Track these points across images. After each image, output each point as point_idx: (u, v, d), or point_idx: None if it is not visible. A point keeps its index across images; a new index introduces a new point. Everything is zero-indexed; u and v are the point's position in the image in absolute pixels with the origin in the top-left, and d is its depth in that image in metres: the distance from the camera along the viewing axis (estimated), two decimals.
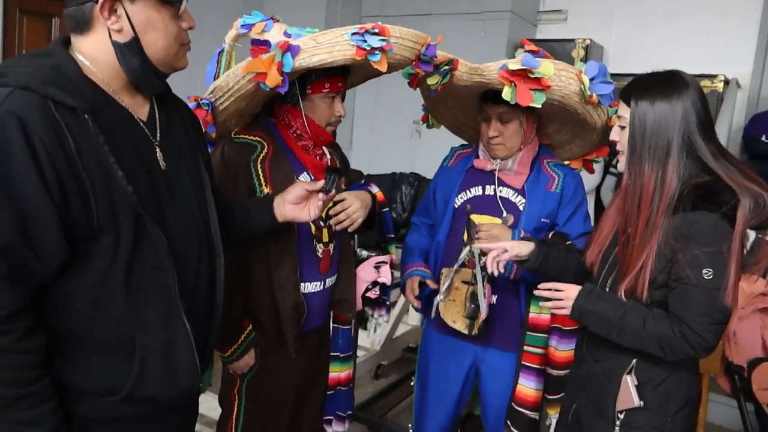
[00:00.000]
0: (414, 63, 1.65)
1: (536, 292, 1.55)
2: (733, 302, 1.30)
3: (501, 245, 1.60)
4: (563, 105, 1.72)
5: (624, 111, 1.41)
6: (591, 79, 1.69)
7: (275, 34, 1.51)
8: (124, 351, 1.10)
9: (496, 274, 1.61)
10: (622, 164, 1.46)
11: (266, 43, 1.43)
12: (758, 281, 1.40)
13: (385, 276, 1.87)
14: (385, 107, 5.04)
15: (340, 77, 1.65)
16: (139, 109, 1.19)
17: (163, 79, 1.20)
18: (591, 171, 2.06)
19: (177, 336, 1.14)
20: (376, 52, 1.42)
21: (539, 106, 1.64)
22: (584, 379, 1.54)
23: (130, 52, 1.10)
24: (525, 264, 1.61)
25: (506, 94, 1.60)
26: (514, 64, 1.58)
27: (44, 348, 1.04)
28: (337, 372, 1.92)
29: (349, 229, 1.74)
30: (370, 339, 1.97)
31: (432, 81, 1.61)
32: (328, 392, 1.92)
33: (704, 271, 1.29)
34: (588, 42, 4.47)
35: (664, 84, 1.36)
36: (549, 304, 1.52)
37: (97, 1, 1.06)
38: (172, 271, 1.12)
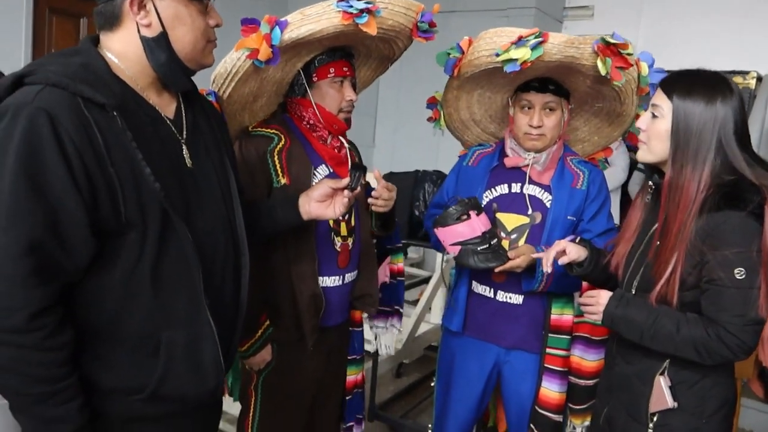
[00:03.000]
0: (413, 31, 1.64)
1: (578, 301, 1.54)
2: (767, 313, 1.26)
3: (560, 246, 1.56)
4: (618, 91, 1.70)
5: (662, 101, 1.37)
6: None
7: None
8: (149, 348, 1.10)
9: (549, 271, 1.58)
10: (642, 154, 1.44)
11: (255, 21, 1.46)
12: None
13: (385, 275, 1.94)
14: (408, 105, 5.02)
15: (345, 61, 1.67)
16: (166, 107, 1.20)
17: (190, 75, 1.21)
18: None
19: (202, 333, 1.14)
20: (363, 14, 1.44)
21: (622, 84, 1.62)
22: (616, 382, 1.51)
23: (158, 46, 1.12)
24: (578, 269, 1.59)
25: (601, 68, 1.56)
26: (610, 38, 1.56)
27: (72, 345, 1.04)
28: (354, 375, 1.93)
29: (375, 209, 1.72)
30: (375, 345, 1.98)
31: (518, 54, 1.54)
32: (347, 397, 1.92)
33: (736, 271, 1.26)
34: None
35: (711, 86, 1.33)
36: (586, 309, 1.51)
37: None
38: (198, 268, 1.12)
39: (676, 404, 1.37)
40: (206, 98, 1.38)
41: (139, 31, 1.11)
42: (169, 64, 1.14)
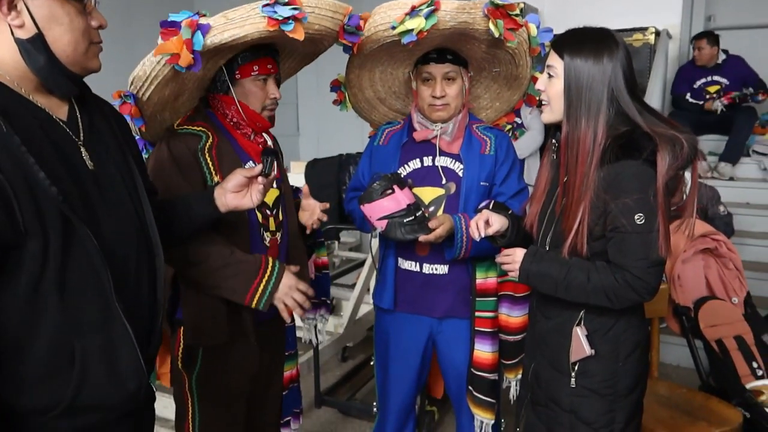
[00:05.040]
0: (339, 34, 1.64)
1: (497, 259, 1.60)
2: (666, 253, 1.35)
3: (484, 216, 1.60)
4: (512, 53, 1.75)
5: (555, 61, 1.43)
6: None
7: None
8: (63, 359, 1.06)
9: (482, 236, 1.61)
10: (546, 115, 1.49)
11: (175, 24, 1.40)
12: (692, 226, 1.46)
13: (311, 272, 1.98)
14: (328, 90, 4.98)
15: (269, 58, 1.64)
16: (58, 109, 1.15)
17: (75, 80, 1.16)
18: None
19: (118, 338, 1.11)
20: (289, 21, 1.40)
21: (515, 45, 1.68)
22: (539, 338, 1.58)
23: (35, 48, 1.06)
24: (502, 241, 1.63)
25: (494, 30, 1.60)
26: (499, 1, 1.60)
27: None
28: (289, 370, 1.94)
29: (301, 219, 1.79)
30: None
31: (413, 24, 1.54)
32: (284, 392, 1.92)
33: (636, 216, 1.33)
34: (522, 5, 4.50)
35: (597, 41, 1.39)
36: (504, 267, 1.57)
37: None
38: (107, 272, 1.09)
39: (593, 351, 1.44)
40: (103, 99, 1.32)
41: (12, 33, 1.05)
42: (48, 68, 1.09)
